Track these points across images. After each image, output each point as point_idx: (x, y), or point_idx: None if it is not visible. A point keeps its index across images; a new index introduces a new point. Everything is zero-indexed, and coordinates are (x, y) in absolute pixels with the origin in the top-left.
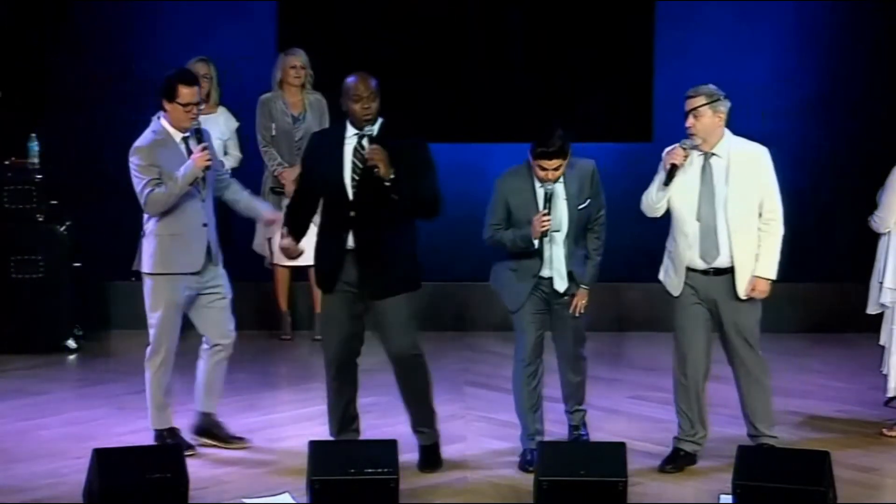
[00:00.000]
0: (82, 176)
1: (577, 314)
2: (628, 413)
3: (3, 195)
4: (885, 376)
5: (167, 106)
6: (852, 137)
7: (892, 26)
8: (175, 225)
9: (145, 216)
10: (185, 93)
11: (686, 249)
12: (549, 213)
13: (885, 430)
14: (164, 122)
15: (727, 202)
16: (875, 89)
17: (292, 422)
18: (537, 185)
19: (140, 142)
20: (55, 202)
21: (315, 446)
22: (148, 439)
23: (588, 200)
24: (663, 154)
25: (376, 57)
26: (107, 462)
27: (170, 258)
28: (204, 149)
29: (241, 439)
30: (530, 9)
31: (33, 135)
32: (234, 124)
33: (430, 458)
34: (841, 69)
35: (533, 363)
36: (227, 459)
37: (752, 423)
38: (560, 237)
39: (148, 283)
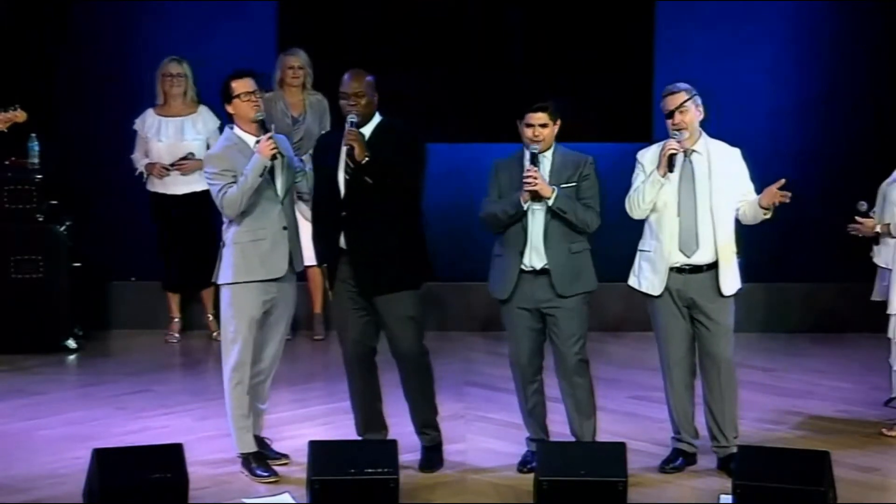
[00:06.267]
0: (82, 176)
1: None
2: (628, 413)
3: (3, 195)
4: (893, 371)
5: (230, 109)
6: (852, 137)
7: (892, 26)
8: (255, 230)
9: (224, 225)
10: (238, 84)
11: (669, 246)
12: (537, 169)
13: (885, 430)
14: (236, 129)
15: (712, 196)
16: (875, 89)
17: (292, 422)
18: (526, 156)
19: (212, 150)
20: (55, 202)
21: (315, 446)
22: (148, 439)
23: (574, 185)
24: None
25: (376, 57)
26: (107, 462)
27: (251, 265)
28: (269, 138)
29: (284, 456)
30: (530, 9)
31: (33, 135)
32: (215, 123)
33: (432, 458)
34: (841, 69)
35: (529, 364)
36: (227, 459)
37: (720, 431)
38: (540, 211)
39: (227, 294)
